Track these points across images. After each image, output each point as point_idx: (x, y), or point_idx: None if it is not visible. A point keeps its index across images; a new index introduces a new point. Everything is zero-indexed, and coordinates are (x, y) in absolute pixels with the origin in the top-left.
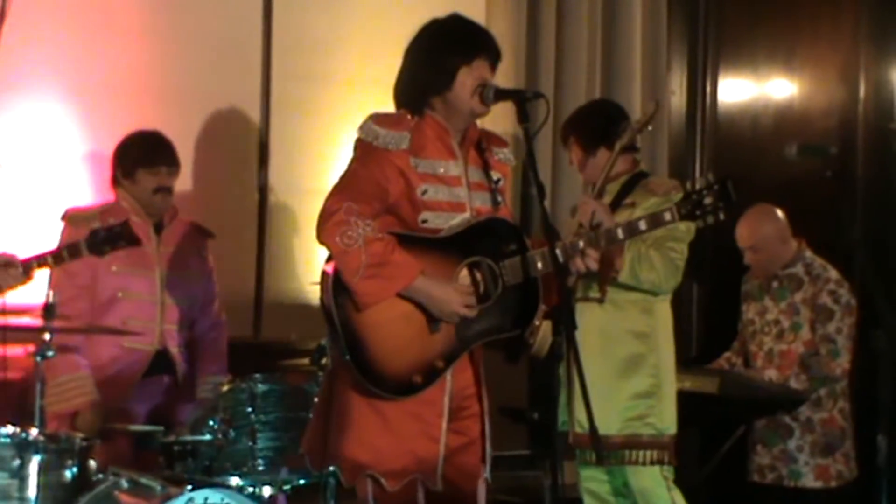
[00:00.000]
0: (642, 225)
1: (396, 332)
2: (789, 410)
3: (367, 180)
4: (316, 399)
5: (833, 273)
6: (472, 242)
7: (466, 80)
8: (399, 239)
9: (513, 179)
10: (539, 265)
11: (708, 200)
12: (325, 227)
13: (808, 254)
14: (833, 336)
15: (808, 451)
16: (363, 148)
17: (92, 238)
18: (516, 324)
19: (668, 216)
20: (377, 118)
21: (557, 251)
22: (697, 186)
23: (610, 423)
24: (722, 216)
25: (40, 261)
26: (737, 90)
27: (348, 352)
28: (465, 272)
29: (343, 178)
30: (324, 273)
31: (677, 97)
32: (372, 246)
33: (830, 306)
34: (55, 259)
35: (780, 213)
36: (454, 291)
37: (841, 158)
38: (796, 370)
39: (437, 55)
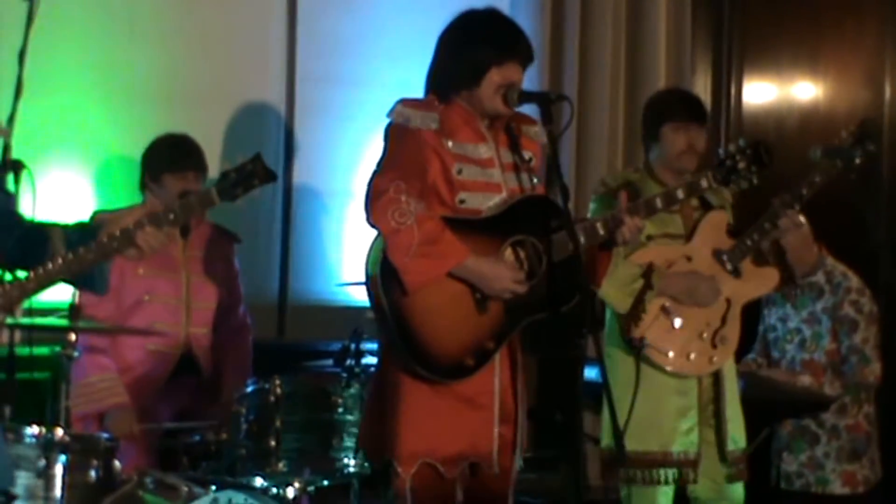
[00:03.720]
0: (680, 193)
1: (445, 315)
2: (814, 413)
3: (408, 159)
4: (334, 398)
5: (854, 281)
6: (515, 221)
7: (494, 79)
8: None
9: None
10: (582, 239)
11: (742, 165)
12: (377, 206)
13: (829, 260)
14: (860, 346)
15: (835, 458)
16: (397, 131)
17: (222, 182)
18: (563, 300)
19: (704, 183)
20: (406, 102)
21: (598, 224)
22: (730, 151)
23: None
24: (755, 181)
25: (163, 217)
26: (761, 93)
27: (399, 337)
28: (509, 251)
29: (384, 161)
30: (368, 256)
31: (701, 99)
32: (425, 224)
33: (854, 317)
34: (183, 211)
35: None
36: (505, 268)
37: (865, 160)
38: (830, 377)
39: (470, 50)
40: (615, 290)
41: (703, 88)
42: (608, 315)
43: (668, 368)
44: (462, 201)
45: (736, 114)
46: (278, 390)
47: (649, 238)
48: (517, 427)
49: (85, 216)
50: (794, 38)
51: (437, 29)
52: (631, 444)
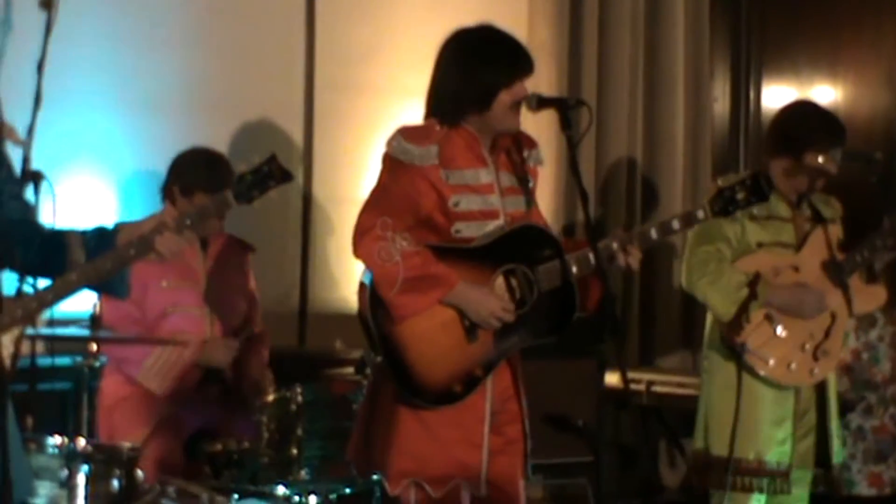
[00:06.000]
0: (675, 224)
1: (434, 342)
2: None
3: (399, 194)
4: (355, 406)
5: None
6: (507, 250)
7: (505, 100)
8: (434, 251)
9: (558, 177)
10: (574, 269)
11: (740, 196)
12: (362, 243)
13: None
14: (875, 343)
15: (861, 459)
16: (391, 164)
17: (238, 184)
18: (553, 329)
19: (700, 214)
20: (405, 132)
21: (590, 255)
22: (729, 181)
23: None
24: (755, 212)
25: (184, 222)
26: (780, 96)
27: (387, 363)
28: (500, 280)
29: (374, 192)
30: (361, 285)
31: (720, 104)
32: (410, 260)
33: (874, 314)
34: (200, 215)
35: None
36: (493, 296)
37: (886, 164)
38: (839, 373)
39: (478, 74)
40: (720, 297)
41: (721, 93)
42: (709, 319)
43: (769, 376)
44: (458, 231)
45: (755, 119)
46: (300, 399)
47: (760, 245)
48: (524, 428)
49: (109, 225)
50: (812, 41)
51: None
52: (726, 450)
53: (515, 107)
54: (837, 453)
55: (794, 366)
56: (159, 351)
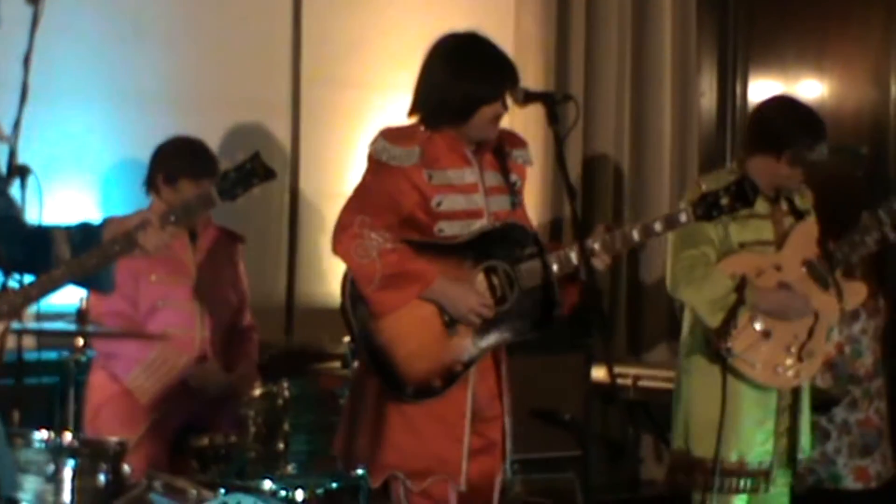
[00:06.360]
0: (657, 226)
1: (415, 337)
2: (819, 412)
3: (380, 193)
4: (342, 401)
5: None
6: (488, 247)
7: (486, 114)
8: (414, 246)
9: (545, 172)
10: (555, 268)
11: (724, 201)
12: (340, 241)
13: None
14: (858, 336)
15: (847, 453)
16: (375, 164)
17: (222, 182)
18: (534, 327)
19: (683, 217)
20: (388, 134)
21: (571, 254)
22: (713, 186)
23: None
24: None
25: (168, 218)
26: (767, 90)
27: (368, 357)
28: (481, 277)
29: (356, 191)
30: (344, 278)
31: (707, 98)
32: (387, 257)
33: (857, 307)
34: (184, 211)
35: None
36: (472, 292)
37: (872, 159)
38: (822, 369)
39: (462, 88)
40: (708, 305)
41: (708, 88)
42: (687, 320)
43: (755, 380)
44: (441, 230)
45: (742, 113)
46: (286, 393)
47: (742, 246)
48: (505, 428)
49: (94, 221)
50: (799, 36)
51: (444, 31)
52: (708, 452)
53: (495, 120)
54: (804, 450)
55: (779, 369)
56: (151, 363)
